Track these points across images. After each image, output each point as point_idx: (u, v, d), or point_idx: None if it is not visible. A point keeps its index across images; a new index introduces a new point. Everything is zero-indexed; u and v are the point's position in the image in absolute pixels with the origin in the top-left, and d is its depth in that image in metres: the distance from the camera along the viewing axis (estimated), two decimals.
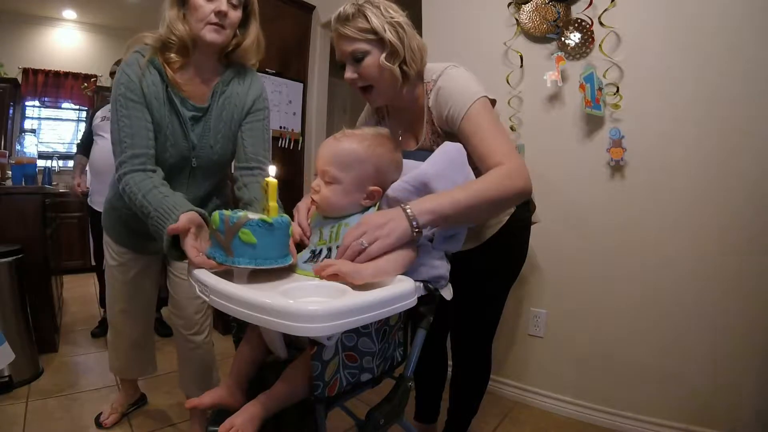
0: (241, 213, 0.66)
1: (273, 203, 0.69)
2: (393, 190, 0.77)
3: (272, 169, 0.75)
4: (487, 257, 1.02)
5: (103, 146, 2.16)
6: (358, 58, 0.90)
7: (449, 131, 0.94)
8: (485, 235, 1.04)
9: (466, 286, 0.83)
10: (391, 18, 0.89)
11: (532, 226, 1.13)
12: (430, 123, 0.98)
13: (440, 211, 0.71)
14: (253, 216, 0.65)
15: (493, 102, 0.92)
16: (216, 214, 0.67)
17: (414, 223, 0.69)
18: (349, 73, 0.93)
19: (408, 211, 0.70)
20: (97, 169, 2.23)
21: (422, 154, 0.85)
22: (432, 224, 0.72)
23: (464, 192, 0.74)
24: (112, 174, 1.04)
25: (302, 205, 0.85)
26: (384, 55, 0.89)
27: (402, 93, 0.96)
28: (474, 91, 0.89)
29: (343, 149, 0.76)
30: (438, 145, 0.81)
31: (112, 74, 2.39)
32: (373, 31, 0.88)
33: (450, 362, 1.24)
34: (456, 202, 0.72)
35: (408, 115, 1.02)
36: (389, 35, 0.88)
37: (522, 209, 1.05)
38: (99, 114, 2.26)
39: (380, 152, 0.77)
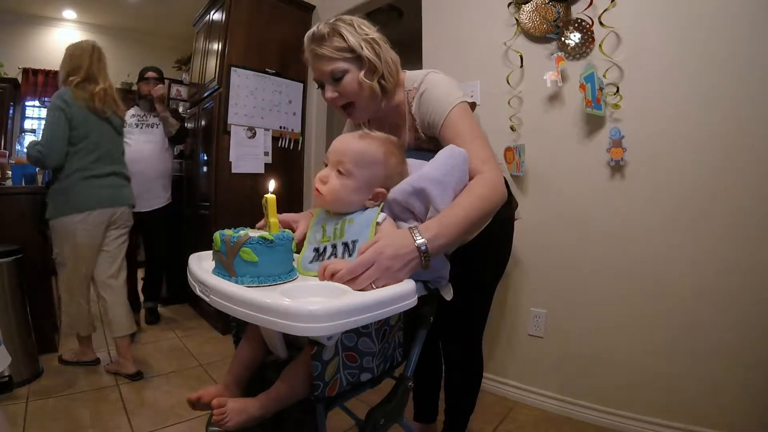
0: (242, 232, 0.66)
1: (273, 219, 0.68)
2: (393, 191, 0.78)
3: (271, 185, 0.74)
4: (472, 256, 1.02)
5: (131, 149, 2.23)
6: (337, 78, 0.90)
7: (432, 136, 0.96)
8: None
9: (453, 285, 0.83)
10: (366, 35, 0.90)
11: (529, 227, 1.13)
12: (413, 129, 0.99)
13: (449, 243, 0.72)
14: (253, 234, 0.65)
15: (472, 106, 0.93)
16: (217, 235, 0.67)
17: (425, 259, 0.68)
18: (330, 93, 0.93)
19: (422, 247, 0.68)
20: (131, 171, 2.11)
21: (425, 153, 0.85)
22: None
23: (463, 211, 0.74)
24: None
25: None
26: (363, 72, 0.90)
27: (381, 105, 0.97)
28: (454, 97, 0.90)
29: (363, 147, 0.78)
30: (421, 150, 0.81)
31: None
32: (351, 50, 0.88)
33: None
34: (459, 228, 0.73)
35: (388, 124, 1.03)
36: (366, 52, 0.89)
37: (505, 207, 1.06)
38: (127, 116, 2.29)
39: (393, 162, 0.80)
